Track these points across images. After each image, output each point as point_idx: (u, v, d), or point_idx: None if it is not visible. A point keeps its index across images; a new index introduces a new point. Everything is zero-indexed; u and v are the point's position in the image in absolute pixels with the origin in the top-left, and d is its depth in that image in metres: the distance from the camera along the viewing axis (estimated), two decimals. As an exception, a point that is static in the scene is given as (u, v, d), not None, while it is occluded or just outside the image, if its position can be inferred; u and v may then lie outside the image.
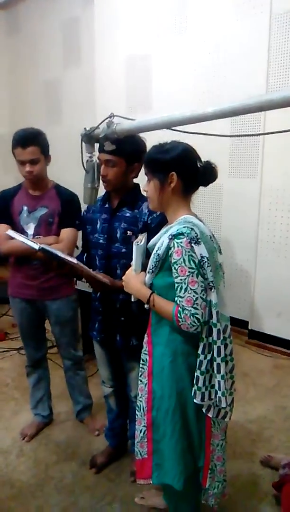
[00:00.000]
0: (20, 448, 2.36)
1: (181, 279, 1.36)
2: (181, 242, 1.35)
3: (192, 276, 1.35)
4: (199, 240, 1.37)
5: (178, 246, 1.36)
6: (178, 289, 1.37)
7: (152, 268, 1.47)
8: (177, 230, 1.38)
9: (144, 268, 1.56)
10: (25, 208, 2.21)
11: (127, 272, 1.58)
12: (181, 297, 1.36)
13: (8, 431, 2.50)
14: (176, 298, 1.38)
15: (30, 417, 2.57)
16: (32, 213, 2.20)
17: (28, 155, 2.06)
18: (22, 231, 2.16)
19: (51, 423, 2.57)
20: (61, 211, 2.19)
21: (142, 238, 1.55)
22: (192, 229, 1.38)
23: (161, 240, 1.45)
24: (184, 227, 1.38)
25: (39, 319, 2.40)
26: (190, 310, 1.34)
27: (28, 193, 2.23)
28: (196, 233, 1.37)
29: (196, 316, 1.34)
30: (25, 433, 2.46)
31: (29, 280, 2.24)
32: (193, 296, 1.35)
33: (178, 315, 1.36)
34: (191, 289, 1.35)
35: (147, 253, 1.57)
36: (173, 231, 1.40)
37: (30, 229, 2.18)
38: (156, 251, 1.45)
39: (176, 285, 1.38)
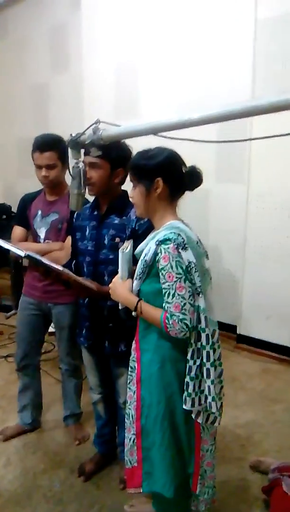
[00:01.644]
0: (8, 457, 2.33)
1: (168, 285, 1.36)
2: (168, 248, 1.35)
3: (180, 281, 1.35)
4: (186, 245, 1.37)
5: (165, 252, 1.36)
6: (166, 295, 1.37)
7: (140, 274, 1.47)
8: (164, 235, 1.38)
9: (131, 275, 1.55)
10: (39, 212, 2.27)
11: (113, 279, 1.58)
12: (169, 303, 1.36)
13: (-5, 440, 2.47)
14: (164, 304, 1.38)
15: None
16: (44, 217, 2.26)
17: (45, 160, 2.11)
18: (36, 235, 2.26)
19: (33, 431, 2.55)
20: (69, 218, 2.19)
21: (128, 245, 1.55)
22: (179, 234, 1.38)
23: (148, 246, 1.45)
24: (171, 232, 1.38)
25: (41, 323, 2.41)
26: (178, 315, 1.34)
27: (45, 198, 2.30)
28: (183, 238, 1.37)
29: (185, 321, 1.34)
30: (3, 432, 2.49)
31: (36, 281, 2.30)
32: (181, 301, 1.34)
33: (166, 321, 1.36)
34: (178, 294, 1.35)
35: (134, 260, 1.57)
36: (160, 236, 1.40)
37: (42, 233, 2.25)
38: (143, 257, 1.45)
39: (163, 291, 1.37)
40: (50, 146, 2.11)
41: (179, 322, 1.34)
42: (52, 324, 2.47)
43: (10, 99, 5.60)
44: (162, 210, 1.50)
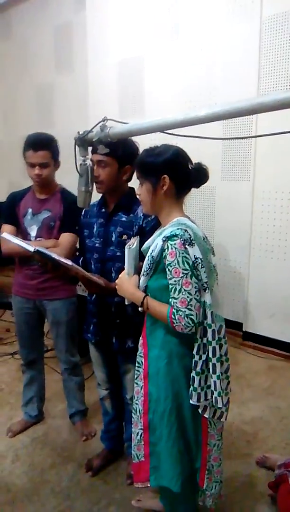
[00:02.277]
0: (16, 453, 2.35)
1: (175, 281, 1.37)
2: (174, 244, 1.37)
3: (186, 277, 1.36)
4: (192, 241, 1.38)
5: (172, 248, 1.37)
6: (172, 290, 1.38)
7: (147, 270, 1.48)
8: (171, 232, 1.40)
9: (137, 271, 1.57)
10: (29, 210, 2.27)
11: (120, 275, 1.59)
12: (175, 298, 1.37)
13: (2, 436, 2.49)
14: (170, 300, 1.39)
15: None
16: (36, 215, 2.26)
17: (38, 159, 2.12)
18: (26, 233, 2.24)
19: (38, 423, 2.60)
20: (62, 215, 2.23)
21: (134, 241, 1.56)
22: (185, 230, 1.39)
23: (155, 242, 1.46)
24: (177, 229, 1.40)
25: (37, 319, 2.43)
26: (185, 311, 1.35)
27: (35, 196, 2.30)
28: (189, 234, 1.39)
29: (191, 317, 1.35)
30: (10, 429, 2.52)
31: (28, 279, 2.30)
32: (187, 297, 1.36)
33: (173, 316, 1.37)
34: (185, 290, 1.36)
35: (141, 256, 1.58)
36: (166, 233, 1.41)
37: (33, 231, 2.24)
38: (150, 253, 1.46)
39: (170, 286, 1.39)
40: (44, 145, 2.13)
41: (185, 318, 1.35)
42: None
43: (15, 99, 5.63)
44: (169, 207, 1.51)
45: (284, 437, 2.47)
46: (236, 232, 3.62)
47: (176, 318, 1.36)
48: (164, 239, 1.40)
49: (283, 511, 1.82)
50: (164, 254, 1.40)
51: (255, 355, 3.52)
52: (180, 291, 1.37)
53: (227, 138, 2.13)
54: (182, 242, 1.37)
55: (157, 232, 1.54)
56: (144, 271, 1.49)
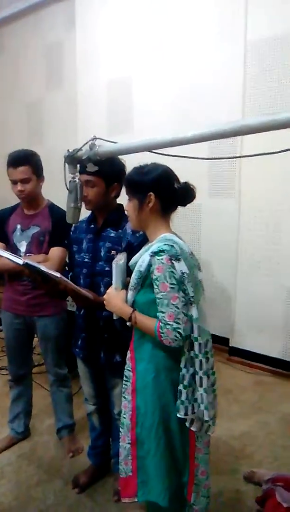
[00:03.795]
0: (1, 470, 2.32)
1: (162, 295, 1.40)
2: (162, 259, 1.40)
3: (173, 292, 1.39)
4: (179, 257, 1.42)
5: (159, 263, 1.40)
6: (160, 304, 1.41)
7: (134, 285, 1.51)
8: (158, 247, 1.43)
9: (125, 286, 1.59)
10: (18, 226, 2.29)
11: (108, 291, 1.61)
12: (163, 312, 1.40)
13: (-12, 453, 2.46)
14: (158, 314, 1.42)
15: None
16: (25, 231, 2.27)
17: (19, 175, 2.15)
18: (16, 249, 2.25)
19: (25, 439, 2.58)
20: (51, 230, 2.25)
21: (121, 257, 1.60)
22: (172, 246, 1.43)
23: (142, 257, 1.50)
24: (164, 244, 1.43)
25: (26, 335, 2.44)
26: (172, 325, 1.38)
27: (23, 212, 2.32)
28: (176, 250, 1.42)
29: (178, 330, 1.38)
30: None
31: (18, 295, 2.30)
32: (175, 311, 1.39)
33: (160, 330, 1.40)
34: (172, 304, 1.39)
35: (129, 271, 1.61)
36: (154, 248, 1.44)
37: (23, 247, 2.25)
38: (138, 268, 1.49)
39: (157, 300, 1.42)
40: (23, 160, 2.15)
41: (173, 331, 1.38)
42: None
43: (5, 116, 5.67)
44: (155, 223, 1.55)
45: (271, 452, 2.49)
46: (223, 248, 3.67)
47: (164, 332, 1.39)
48: (151, 254, 1.44)
49: (270, 525, 1.83)
50: (151, 269, 1.44)
51: (242, 370, 3.53)
52: (167, 305, 1.39)
53: (212, 159, 2.19)
54: (169, 257, 1.40)
55: (144, 248, 1.58)
56: (132, 286, 1.52)
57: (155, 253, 1.42)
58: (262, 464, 2.37)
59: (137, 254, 1.60)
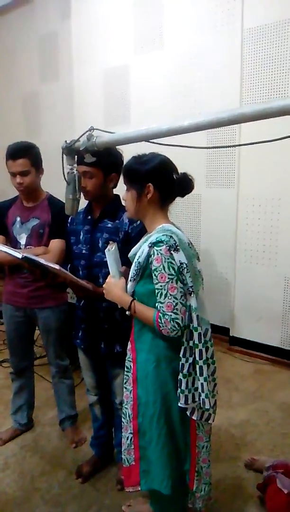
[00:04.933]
0: (5, 461, 2.34)
1: (161, 285, 1.41)
2: (160, 250, 1.40)
3: (172, 282, 1.40)
4: (177, 247, 1.42)
5: (157, 254, 1.40)
6: (159, 295, 1.42)
7: (133, 276, 1.51)
8: (157, 238, 1.43)
9: (122, 275, 1.60)
10: (18, 219, 2.29)
11: (107, 280, 1.61)
12: (161, 302, 1.41)
13: (-8, 445, 2.49)
14: (156, 304, 1.43)
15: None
16: (24, 224, 2.27)
17: (18, 167, 2.14)
18: (16, 241, 2.25)
19: (28, 430, 2.60)
20: (51, 222, 2.25)
21: (112, 245, 1.59)
22: (171, 236, 1.43)
23: (141, 248, 1.50)
24: (163, 235, 1.43)
25: (28, 328, 2.45)
26: (170, 315, 1.39)
27: (22, 205, 2.32)
28: (174, 240, 1.42)
29: (176, 321, 1.39)
30: (0, 438, 2.51)
31: (19, 288, 2.31)
32: (173, 301, 1.39)
33: (159, 320, 1.41)
34: (171, 295, 1.40)
35: (128, 262, 1.61)
36: (152, 239, 1.44)
37: (23, 240, 2.26)
38: (137, 259, 1.49)
39: (156, 291, 1.42)
40: (22, 153, 2.14)
41: (171, 321, 1.39)
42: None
43: (1, 108, 5.64)
44: (153, 214, 1.55)
45: (271, 439, 2.51)
46: (222, 238, 3.68)
47: (163, 322, 1.40)
48: (150, 245, 1.44)
49: (272, 511, 1.85)
50: (150, 260, 1.44)
51: (242, 360, 3.56)
52: (166, 295, 1.40)
53: (211, 147, 2.17)
54: (167, 248, 1.40)
55: (143, 239, 1.58)
56: (131, 277, 1.53)
57: (153, 244, 1.43)
58: (262, 452, 2.39)
59: (136, 245, 1.60)
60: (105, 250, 1.58)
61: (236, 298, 3.70)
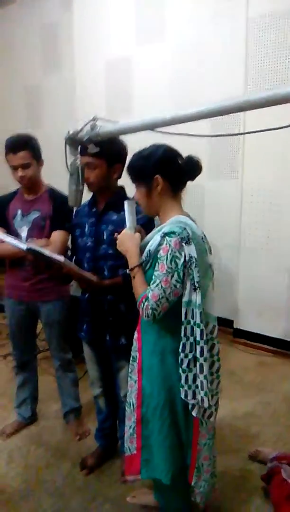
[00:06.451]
0: (10, 454, 2.35)
1: (157, 274, 1.40)
2: (170, 241, 1.38)
3: (167, 276, 1.38)
4: (190, 240, 1.39)
5: (166, 244, 1.39)
6: (152, 281, 1.41)
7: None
8: (170, 228, 1.41)
9: (136, 231, 1.59)
10: (19, 211, 2.27)
11: (123, 231, 1.60)
12: (151, 289, 1.41)
13: (-4, 438, 2.49)
14: (148, 286, 1.43)
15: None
16: (25, 216, 2.25)
17: (19, 160, 2.12)
18: (16, 234, 2.23)
19: (32, 424, 2.60)
20: (52, 214, 2.23)
21: (132, 199, 1.58)
22: (184, 228, 1.40)
23: (153, 238, 1.48)
24: (177, 226, 1.41)
25: (30, 321, 2.44)
26: (152, 304, 1.40)
27: (23, 197, 2.30)
28: (188, 233, 1.40)
29: (154, 311, 1.40)
30: (4, 431, 2.52)
31: (21, 281, 2.29)
32: (160, 294, 1.39)
33: (143, 301, 1.42)
34: (161, 287, 1.39)
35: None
36: (165, 229, 1.42)
37: (24, 232, 2.24)
38: (148, 247, 1.48)
39: (153, 277, 1.42)
40: (22, 146, 2.12)
41: (150, 310, 1.40)
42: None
43: (2, 100, 5.59)
44: (166, 205, 1.52)
45: (275, 431, 2.51)
46: (225, 230, 3.66)
47: (144, 305, 1.42)
48: (162, 235, 1.42)
49: (276, 502, 1.85)
50: (158, 248, 1.42)
51: (245, 352, 3.56)
52: (157, 285, 1.39)
53: (216, 136, 2.16)
54: (179, 239, 1.38)
55: (156, 229, 1.55)
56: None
57: (166, 234, 1.41)
58: (266, 443, 2.39)
59: (149, 235, 1.58)
60: (125, 201, 1.56)
61: (239, 290, 3.69)
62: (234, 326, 3.75)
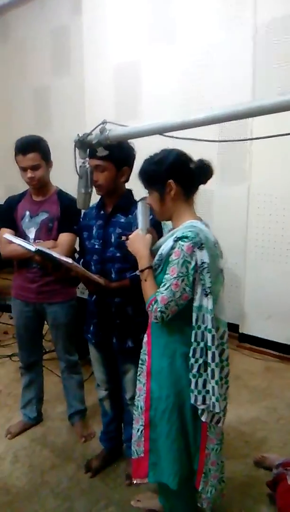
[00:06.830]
0: (15, 454, 2.35)
1: (168, 277, 1.41)
2: (183, 246, 1.39)
3: (178, 280, 1.39)
4: (203, 245, 1.39)
5: (178, 248, 1.39)
6: (163, 284, 1.42)
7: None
8: (183, 233, 1.41)
9: (148, 232, 1.59)
10: (27, 213, 2.27)
11: (135, 232, 1.60)
12: (161, 292, 1.41)
13: (1, 438, 2.49)
14: (158, 289, 1.43)
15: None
16: (33, 218, 2.26)
17: (28, 162, 2.12)
18: (24, 235, 2.24)
19: (37, 424, 2.61)
20: (60, 216, 2.24)
21: (146, 200, 1.58)
22: (197, 234, 1.40)
23: (166, 242, 1.48)
24: (189, 231, 1.41)
25: (37, 323, 2.45)
26: (161, 307, 1.40)
27: (32, 199, 2.31)
28: (200, 238, 1.40)
29: (163, 314, 1.41)
30: (9, 431, 2.53)
31: (28, 283, 2.30)
32: (169, 297, 1.40)
33: (152, 303, 1.43)
34: (171, 290, 1.39)
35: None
36: (178, 233, 1.43)
37: (32, 234, 2.25)
38: (160, 251, 1.48)
39: (163, 280, 1.42)
40: (32, 147, 2.13)
41: (159, 312, 1.41)
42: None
43: (12, 102, 5.64)
44: (179, 209, 1.52)
45: (281, 437, 2.49)
46: (232, 234, 3.64)
47: (153, 307, 1.42)
48: (175, 239, 1.42)
49: (282, 509, 1.84)
50: (169, 252, 1.43)
51: (251, 357, 3.54)
52: (167, 288, 1.40)
53: (225, 141, 2.17)
54: (192, 244, 1.38)
55: (169, 233, 1.55)
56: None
57: (179, 238, 1.41)
58: (272, 449, 2.37)
59: (162, 239, 1.59)
60: (139, 202, 1.57)
61: (246, 295, 3.68)
62: (240, 331, 3.73)
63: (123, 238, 1.79)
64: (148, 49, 3.94)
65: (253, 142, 3.36)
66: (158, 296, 1.41)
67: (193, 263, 1.38)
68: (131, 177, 1.87)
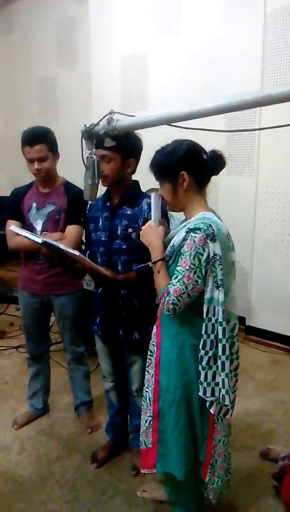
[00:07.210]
0: (21, 444, 2.37)
1: (180, 269, 1.40)
2: (195, 237, 1.38)
3: (190, 272, 1.38)
4: (215, 237, 1.38)
5: (190, 239, 1.38)
6: (174, 276, 1.41)
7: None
8: (195, 224, 1.40)
9: (159, 224, 1.58)
10: (34, 205, 2.26)
11: (147, 223, 1.59)
12: (173, 284, 1.41)
13: (8, 428, 2.51)
14: (170, 281, 1.43)
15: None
16: (40, 209, 2.25)
17: (35, 153, 2.11)
18: (31, 227, 2.23)
19: (44, 415, 2.63)
20: (67, 208, 2.23)
21: (156, 188, 1.57)
22: (210, 225, 1.39)
23: (178, 234, 1.47)
24: (202, 222, 1.40)
25: (43, 314, 2.45)
26: (173, 299, 1.40)
27: (38, 190, 2.29)
28: (213, 230, 1.39)
29: (175, 306, 1.41)
30: (16, 421, 2.55)
31: (34, 274, 2.30)
32: (182, 289, 1.39)
33: (165, 295, 1.42)
34: (183, 282, 1.39)
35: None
36: (191, 225, 1.41)
37: (39, 226, 2.24)
38: (172, 243, 1.47)
39: (175, 272, 1.41)
40: (39, 138, 2.11)
41: (171, 305, 1.41)
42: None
43: (17, 94, 5.62)
44: (191, 201, 1.51)
45: (287, 429, 2.49)
46: (239, 226, 3.61)
47: (165, 299, 1.42)
48: (187, 230, 1.41)
49: (287, 501, 1.84)
50: (182, 244, 1.42)
51: (258, 349, 3.53)
52: (179, 280, 1.39)
53: (233, 131, 2.14)
54: (205, 236, 1.37)
55: (181, 225, 1.53)
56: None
57: (191, 230, 1.40)
58: (278, 442, 2.37)
59: (174, 231, 1.58)
60: (152, 193, 1.56)
61: (252, 287, 3.66)
62: (247, 323, 3.73)
63: (130, 230, 1.79)
64: (155, 40, 3.91)
65: (261, 133, 3.33)
66: (171, 288, 1.41)
67: (205, 255, 1.37)
68: (138, 169, 1.86)
